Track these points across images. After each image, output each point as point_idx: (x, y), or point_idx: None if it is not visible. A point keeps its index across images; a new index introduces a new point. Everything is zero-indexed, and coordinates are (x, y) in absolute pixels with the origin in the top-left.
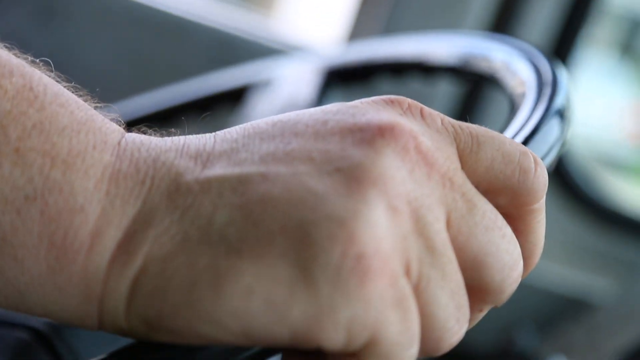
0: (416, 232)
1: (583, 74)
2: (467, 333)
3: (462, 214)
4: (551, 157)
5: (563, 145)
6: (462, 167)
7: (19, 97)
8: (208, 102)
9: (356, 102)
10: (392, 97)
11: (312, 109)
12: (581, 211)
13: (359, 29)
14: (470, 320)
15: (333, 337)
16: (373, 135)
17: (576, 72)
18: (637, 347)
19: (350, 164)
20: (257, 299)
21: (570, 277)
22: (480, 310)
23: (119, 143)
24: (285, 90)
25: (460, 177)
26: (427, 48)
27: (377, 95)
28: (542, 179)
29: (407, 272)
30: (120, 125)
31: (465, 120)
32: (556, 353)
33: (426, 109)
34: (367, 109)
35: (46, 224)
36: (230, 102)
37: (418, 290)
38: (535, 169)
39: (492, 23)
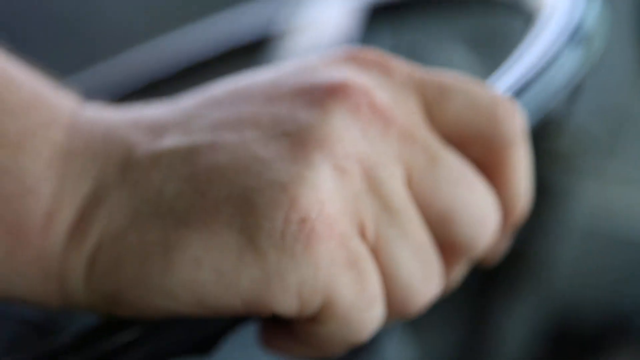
0: (370, 191)
1: None
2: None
3: (424, 169)
4: (560, 95)
5: (579, 81)
6: (431, 119)
7: None
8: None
9: (312, 60)
10: (354, 51)
11: (268, 70)
12: None
13: None
14: (448, 278)
15: (285, 303)
16: (323, 96)
17: None
18: None
19: (297, 127)
20: (206, 269)
21: None
22: (456, 268)
23: (70, 119)
24: (325, 35)
25: (422, 131)
26: None
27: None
28: (515, 125)
29: (363, 232)
30: (77, 99)
31: None
32: None
33: (390, 61)
34: (321, 67)
35: (0, 205)
36: (255, 54)
37: (378, 251)
38: (509, 116)
39: None
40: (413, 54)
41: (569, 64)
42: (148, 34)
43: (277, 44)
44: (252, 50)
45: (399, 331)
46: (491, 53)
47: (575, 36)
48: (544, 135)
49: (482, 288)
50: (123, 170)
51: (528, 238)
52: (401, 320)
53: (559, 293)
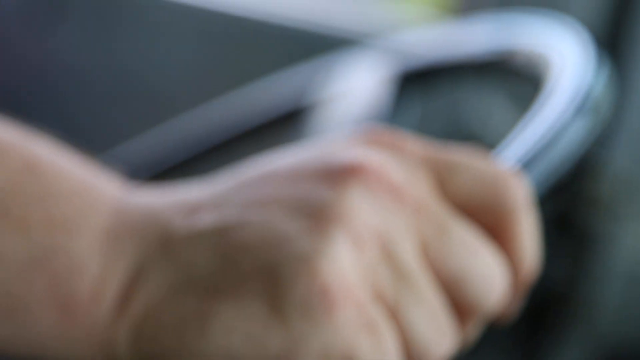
0: (386, 262)
1: None
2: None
3: (436, 238)
4: (568, 163)
5: (585, 153)
6: (442, 192)
7: (18, 172)
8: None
9: (331, 143)
10: (370, 133)
11: (294, 155)
12: None
13: (470, 4)
14: (464, 334)
15: None
16: (341, 176)
17: None
18: None
19: (318, 205)
20: (237, 335)
21: None
22: (469, 326)
23: (114, 204)
24: (356, 105)
25: (433, 204)
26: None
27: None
28: (517, 196)
29: (381, 299)
30: (119, 183)
31: None
32: None
33: (403, 141)
34: (339, 150)
35: (50, 284)
36: (288, 125)
37: (395, 315)
38: (511, 188)
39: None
40: (444, 118)
41: (576, 134)
42: (183, 104)
43: (309, 114)
44: (284, 122)
45: None
46: (524, 109)
47: (583, 106)
48: (585, 182)
49: (530, 333)
50: (162, 248)
51: (573, 283)
52: None
53: (604, 335)
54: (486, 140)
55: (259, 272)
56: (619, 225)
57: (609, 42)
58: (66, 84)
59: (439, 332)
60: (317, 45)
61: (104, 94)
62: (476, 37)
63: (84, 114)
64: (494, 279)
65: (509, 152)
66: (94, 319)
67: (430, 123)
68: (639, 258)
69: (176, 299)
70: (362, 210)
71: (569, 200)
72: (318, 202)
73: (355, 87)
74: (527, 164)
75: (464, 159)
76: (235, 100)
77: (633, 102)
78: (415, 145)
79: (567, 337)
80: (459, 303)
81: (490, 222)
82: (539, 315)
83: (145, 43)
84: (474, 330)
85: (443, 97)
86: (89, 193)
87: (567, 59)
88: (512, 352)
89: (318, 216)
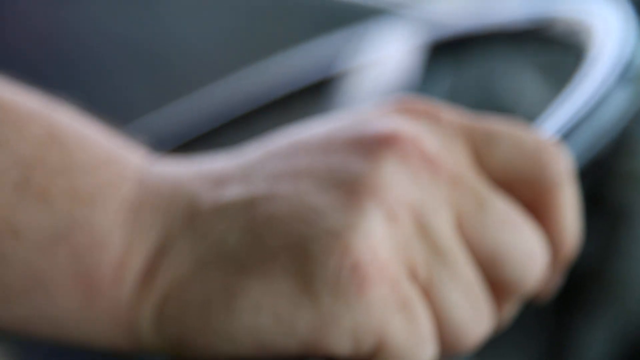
0: (420, 236)
1: None
2: None
3: (472, 212)
4: (610, 134)
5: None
6: (479, 164)
7: (41, 142)
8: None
9: (364, 113)
10: (404, 102)
11: (326, 124)
12: None
13: None
14: (500, 314)
15: (339, 345)
16: (374, 146)
17: None
18: None
19: (350, 177)
20: (265, 314)
21: None
22: (506, 305)
23: (138, 176)
24: (386, 75)
25: (470, 176)
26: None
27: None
28: (560, 169)
29: (415, 275)
30: (144, 154)
31: None
32: None
33: (438, 110)
34: (372, 119)
35: (72, 260)
36: (314, 96)
37: (429, 292)
38: (553, 160)
39: None
40: (476, 90)
41: (618, 104)
42: (212, 74)
43: (339, 84)
44: (314, 91)
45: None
46: (558, 80)
47: (625, 75)
48: (618, 157)
49: (558, 310)
50: (188, 221)
51: (603, 260)
52: (458, 355)
53: (634, 314)
54: (519, 113)
55: (288, 248)
56: None
57: None
58: (90, 53)
59: (475, 311)
60: (347, 14)
61: (129, 65)
62: (513, 4)
63: (108, 85)
64: (534, 256)
65: (550, 123)
66: (117, 296)
67: (461, 95)
68: None
69: (201, 275)
70: (396, 183)
71: (602, 176)
72: (350, 173)
73: (385, 57)
74: (569, 134)
75: (503, 129)
76: (264, 70)
77: None
78: (451, 114)
79: (595, 315)
80: (496, 281)
81: (530, 195)
82: (567, 292)
83: (171, 13)
84: (511, 310)
85: (475, 68)
86: (113, 164)
87: (609, 26)
88: (539, 330)
89: (350, 189)
